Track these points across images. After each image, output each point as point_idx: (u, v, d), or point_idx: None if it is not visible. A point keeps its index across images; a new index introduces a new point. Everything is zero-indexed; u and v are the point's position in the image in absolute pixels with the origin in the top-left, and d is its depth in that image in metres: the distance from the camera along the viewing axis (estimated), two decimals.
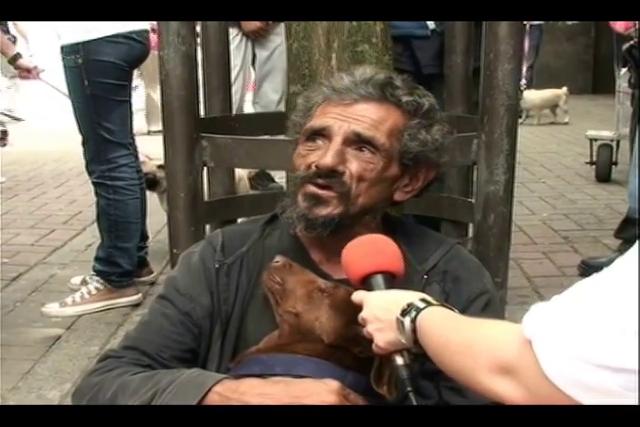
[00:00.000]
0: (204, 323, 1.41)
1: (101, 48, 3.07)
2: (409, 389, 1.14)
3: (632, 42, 3.04)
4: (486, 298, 1.43)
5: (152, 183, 3.84)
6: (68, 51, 3.08)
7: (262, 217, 1.56)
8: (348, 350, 1.31)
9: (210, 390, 1.25)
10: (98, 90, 3.09)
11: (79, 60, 3.06)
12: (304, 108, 1.46)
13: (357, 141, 1.37)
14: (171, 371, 1.34)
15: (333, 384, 1.24)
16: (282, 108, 4.10)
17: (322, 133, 1.39)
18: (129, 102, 3.27)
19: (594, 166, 5.82)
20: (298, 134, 1.44)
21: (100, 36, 3.05)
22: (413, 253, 1.44)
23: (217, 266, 1.44)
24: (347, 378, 1.28)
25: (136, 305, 3.30)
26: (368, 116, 1.38)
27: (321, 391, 1.23)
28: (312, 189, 1.38)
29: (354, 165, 1.36)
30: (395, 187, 1.44)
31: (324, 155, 1.36)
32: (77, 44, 3.05)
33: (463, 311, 1.37)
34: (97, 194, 3.27)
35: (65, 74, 3.14)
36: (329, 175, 1.36)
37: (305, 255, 1.45)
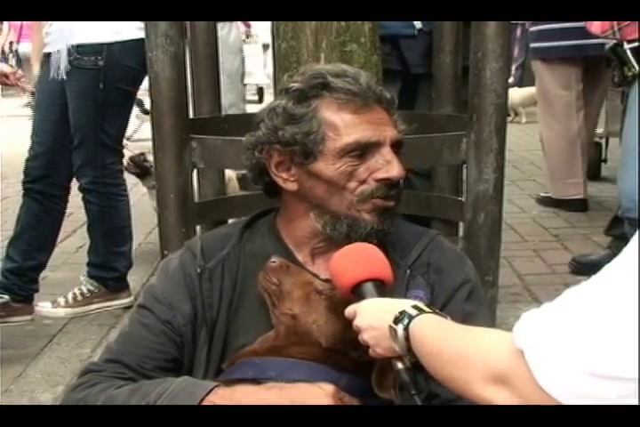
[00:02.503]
0: (185, 331, 1.40)
1: (126, 52, 2.96)
2: (413, 392, 1.14)
3: (616, 40, 3.08)
4: (469, 287, 1.44)
5: (144, 173, 3.87)
6: (88, 51, 2.95)
7: (240, 221, 1.56)
8: (346, 353, 1.30)
9: (203, 399, 1.24)
10: (112, 95, 2.99)
11: (100, 62, 2.94)
12: (294, 116, 1.39)
13: (394, 146, 1.40)
14: (156, 381, 1.32)
15: (328, 388, 1.24)
16: (234, 112, 4.09)
17: (366, 146, 1.37)
18: (132, 107, 3.24)
19: None
20: (316, 146, 1.37)
21: (127, 38, 2.95)
22: (394, 247, 1.45)
23: (199, 271, 1.43)
24: (341, 381, 1.28)
25: (128, 307, 3.29)
26: (386, 119, 1.40)
27: (315, 395, 1.23)
28: (384, 203, 1.39)
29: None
30: None
31: (390, 167, 1.37)
32: (102, 44, 2.93)
33: (448, 301, 1.38)
34: (86, 200, 3.21)
35: (72, 74, 2.99)
36: (397, 185, 1.39)
37: (290, 256, 1.45)
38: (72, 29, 2.96)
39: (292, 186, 1.43)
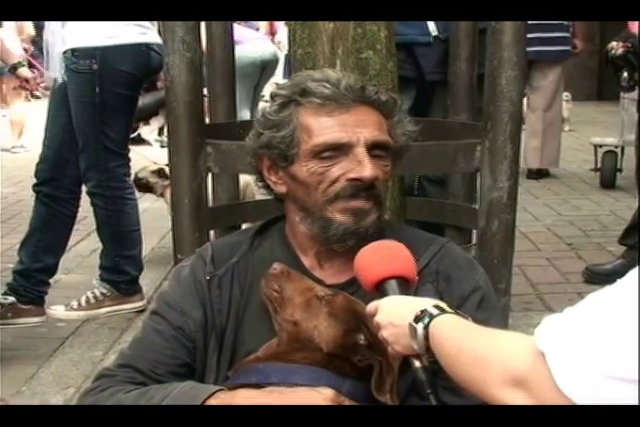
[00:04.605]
0: (197, 336, 1.41)
1: (121, 56, 2.98)
2: (428, 391, 1.14)
3: (628, 46, 3.12)
4: (480, 295, 1.43)
5: (145, 188, 3.92)
6: (83, 55, 2.97)
7: (251, 227, 1.57)
8: (347, 358, 1.31)
9: (204, 402, 1.26)
10: (108, 99, 3.00)
11: (94, 66, 2.96)
12: (274, 122, 1.42)
13: (374, 148, 1.39)
14: (163, 386, 1.34)
15: (327, 392, 1.25)
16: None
17: (337, 148, 1.38)
18: (134, 112, 3.26)
19: (598, 173, 5.82)
20: (288, 150, 1.40)
21: (122, 42, 2.97)
22: None
23: (208, 278, 1.44)
24: (344, 386, 1.29)
25: (141, 311, 3.30)
26: (370, 121, 1.40)
27: (315, 399, 1.23)
28: (356, 204, 1.38)
29: (378, 172, 1.39)
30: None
31: (361, 167, 1.36)
32: (95, 48, 2.95)
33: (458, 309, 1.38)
34: (93, 204, 3.22)
35: (70, 78, 3.02)
36: (370, 186, 1.38)
37: (297, 262, 1.46)
38: (67, 34, 2.99)
39: (281, 189, 1.46)
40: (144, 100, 6.68)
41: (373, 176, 1.36)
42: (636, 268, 0.83)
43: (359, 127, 1.38)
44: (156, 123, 7.57)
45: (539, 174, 6.12)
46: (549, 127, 5.92)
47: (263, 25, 7.58)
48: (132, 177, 3.72)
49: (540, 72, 5.75)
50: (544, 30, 5.30)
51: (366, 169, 1.36)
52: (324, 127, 1.38)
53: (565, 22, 5.64)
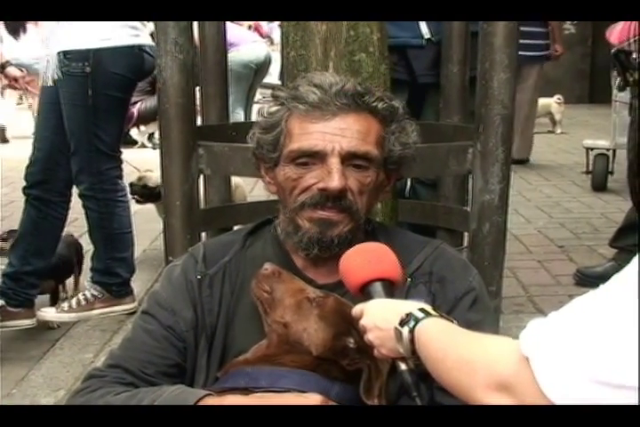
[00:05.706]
0: (187, 336, 1.41)
1: (114, 59, 2.95)
2: (414, 394, 1.14)
3: (620, 46, 3.12)
4: (473, 296, 1.43)
5: (160, 196, 3.87)
6: (76, 57, 2.94)
7: (244, 228, 1.57)
8: (336, 361, 1.30)
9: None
10: (101, 101, 2.98)
11: (87, 69, 2.93)
12: (267, 124, 1.43)
13: (352, 158, 1.37)
14: (152, 389, 1.34)
15: (315, 398, 1.24)
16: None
17: (312, 155, 1.37)
18: (126, 114, 3.24)
19: (590, 175, 5.83)
20: (271, 152, 1.42)
21: (115, 45, 2.94)
22: (397, 256, 1.44)
23: (199, 277, 1.44)
24: (333, 389, 1.29)
25: (132, 313, 3.29)
26: (354, 130, 1.38)
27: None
28: (322, 213, 1.38)
29: (353, 183, 1.38)
30: (381, 190, 1.47)
31: (329, 177, 1.35)
32: (88, 50, 2.92)
33: (450, 311, 1.38)
34: (85, 207, 3.19)
35: (62, 81, 2.99)
36: (338, 197, 1.37)
37: (288, 261, 1.46)
38: (60, 36, 2.96)
39: (272, 189, 1.48)
40: (147, 103, 6.68)
41: (339, 187, 1.35)
42: (620, 272, 0.83)
43: (338, 136, 1.36)
44: (151, 128, 7.55)
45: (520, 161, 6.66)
46: (524, 122, 6.40)
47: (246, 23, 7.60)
48: (134, 187, 3.70)
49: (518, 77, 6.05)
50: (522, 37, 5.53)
51: (333, 180, 1.35)
52: (303, 133, 1.38)
53: (540, 29, 5.97)
